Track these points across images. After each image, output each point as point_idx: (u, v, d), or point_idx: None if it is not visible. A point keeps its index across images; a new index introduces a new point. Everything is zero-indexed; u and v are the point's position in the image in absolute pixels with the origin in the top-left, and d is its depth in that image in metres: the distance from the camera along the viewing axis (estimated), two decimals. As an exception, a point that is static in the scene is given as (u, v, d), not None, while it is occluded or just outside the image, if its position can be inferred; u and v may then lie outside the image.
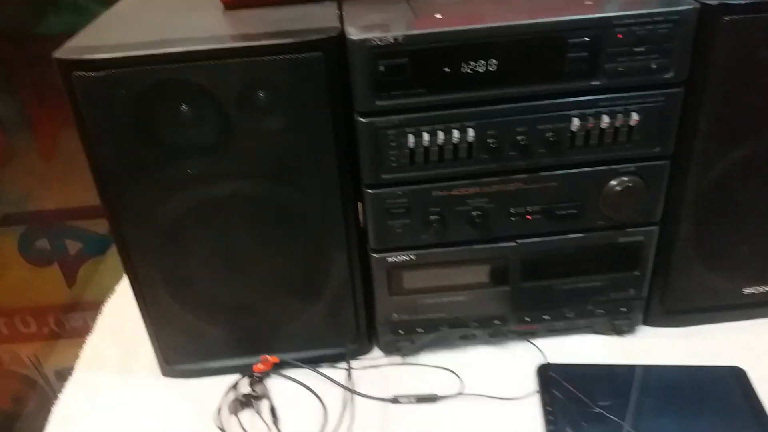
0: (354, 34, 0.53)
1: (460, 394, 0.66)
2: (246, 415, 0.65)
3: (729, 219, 0.67)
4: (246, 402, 0.66)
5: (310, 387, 0.67)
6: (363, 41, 0.53)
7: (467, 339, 0.71)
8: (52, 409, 0.68)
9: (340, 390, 0.66)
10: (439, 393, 0.66)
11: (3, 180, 1.39)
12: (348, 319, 0.70)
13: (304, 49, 0.53)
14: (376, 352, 0.73)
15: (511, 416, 0.63)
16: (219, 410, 0.65)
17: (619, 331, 0.72)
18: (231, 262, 0.65)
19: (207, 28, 0.59)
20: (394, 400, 0.66)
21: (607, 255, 0.67)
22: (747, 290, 0.71)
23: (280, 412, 0.65)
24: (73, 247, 1.47)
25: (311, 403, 0.66)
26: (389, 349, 0.71)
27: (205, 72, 0.53)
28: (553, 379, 0.66)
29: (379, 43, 0.53)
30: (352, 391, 0.66)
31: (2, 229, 1.45)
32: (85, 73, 0.53)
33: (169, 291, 0.66)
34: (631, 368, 0.67)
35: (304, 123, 0.57)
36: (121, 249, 0.63)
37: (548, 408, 0.62)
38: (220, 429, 0.63)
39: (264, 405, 0.66)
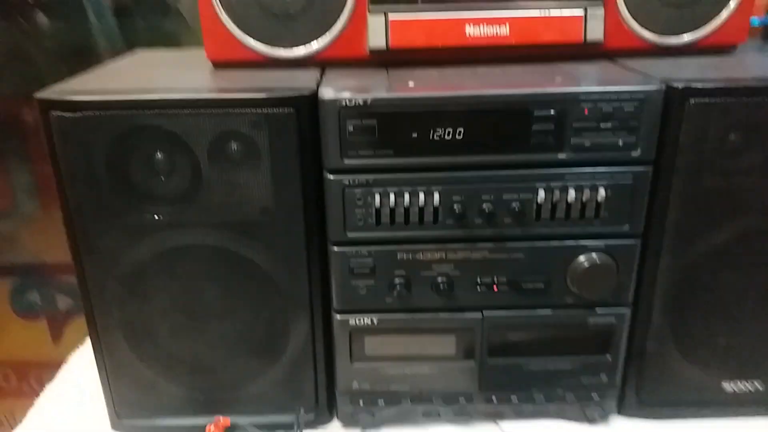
0: (326, 94, 0.55)
1: (416, 473, 0.62)
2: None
3: (705, 308, 0.65)
4: (191, 464, 0.62)
5: (259, 453, 0.64)
6: (333, 101, 0.55)
7: (430, 416, 0.68)
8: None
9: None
10: (393, 470, 0.62)
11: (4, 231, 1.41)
12: (307, 385, 0.67)
13: (278, 105, 0.55)
14: (335, 425, 0.70)
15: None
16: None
17: (590, 420, 0.68)
18: (192, 316, 0.64)
19: (190, 82, 0.62)
20: (346, 474, 0.62)
21: (577, 335, 0.64)
22: (727, 386, 0.68)
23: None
24: (63, 302, 1.46)
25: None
26: (348, 421, 0.68)
27: (179, 120, 0.55)
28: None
29: (348, 104, 0.55)
30: (301, 459, 0.62)
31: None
32: (63, 113, 0.55)
33: (128, 341, 0.65)
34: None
35: (273, 177, 0.58)
36: (83, 294, 0.63)
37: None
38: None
39: (210, 469, 0.62)
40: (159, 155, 0.57)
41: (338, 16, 0.64)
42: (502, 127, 0.56)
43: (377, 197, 0.58)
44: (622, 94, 0.55)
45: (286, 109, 0.55)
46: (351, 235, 0.60)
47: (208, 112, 0.55)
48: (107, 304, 0.63)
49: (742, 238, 0.61)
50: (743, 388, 0.67)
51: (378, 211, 0.59)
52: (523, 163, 0.57)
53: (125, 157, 0.57)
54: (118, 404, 0.68)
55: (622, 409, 0.70)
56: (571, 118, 0.56)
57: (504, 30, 0.65)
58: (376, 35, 0.64)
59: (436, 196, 0.58)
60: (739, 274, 0.63)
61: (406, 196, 0.58)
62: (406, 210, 0.59)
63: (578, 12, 0.64)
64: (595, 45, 0.66)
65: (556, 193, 0.58)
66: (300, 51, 0.66)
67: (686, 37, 0.67)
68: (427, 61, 0.66)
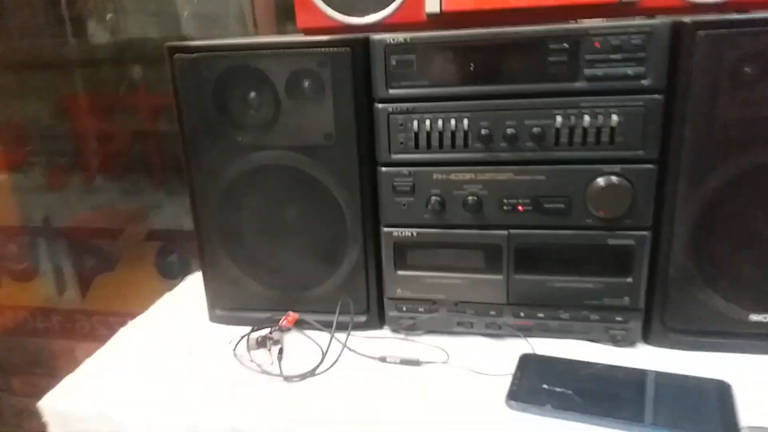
0: (375, 35, 0.69)
1: (443, 363, 0.72)
2: (259, 352, 0.76)
3: (728, 237, 0.68)
4: (262, 342, 0.77)
5: (317, 341, 0.77)
6: (380, 40, 0.68)
7: (465, 326, 0.77)
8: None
9: (343, 350, 0.75)
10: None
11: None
12: (361, 292, 0.79)
13: (337, 45, 0.70)
14: (386, 330, 0.81)
15: (483, 387, 0.67)
16: (237, 344, 0.77)
17: (615, 341, 0.73)
18: (272, 224, 0.79)
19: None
20: (382, 359, 0.73)
21: (598, 256, 0.71)
22: (755, 317, 0.70)
23: (286, 355, 0.75)
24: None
25: (314, 354, 0.75)
26: (394, 325, 0.79)
27: (264, 60, 0.71)
28: (531, 364, 0.69)
29: (392, 41, 0.68)
30: (345, 346, 0.74)
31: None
32: (181, 55, 0.73)
33: (223, 244, 0.81)
34: (609, 367, 0.68)
35: (335, 107, 0.72)
36: (192, 205, 0.81)
37: (515, 382, 0.66)
38: (234, 353, 0.74)
39: (276, 347, 0.77)
40: (250, 89, 0.73)
41: (401, -13, 0.77)
42: (522, 59, 0.66)
43: (416, 123, 0.70)
44: (629, 28, 0.62)
45: (343, 49, 0.69)
46: (395, 156, 0.72)
47: (285, 52, 0.71)
48: (209, 212, 0.80)
49: (758, 169, 0.65)
50: (772, 320, 0.69)
51: (416, 135, 0.70)
52: (543, 92, 0.66)
53: (226, 90, 0.74)
54: (214, 298, 0.85)
55: (648, 338, 0.74)
56: (584, 51, 0.64)
57: (546, -7, 0.74)
58: (432, 2, 0.76)
59: (466, 122, 0.69)
60: (760, 205, 0.66)
61: (440, 122, 0.69)
62: (440, 134, 0.70)
63: (614, -28, 0.72)
64: (631, 4, 0.72)
65: (572, 119, 0.66)
66: (371, 18, 0.79)
67: (720, -2, 0.71)
68: (477, 24, 0.76)
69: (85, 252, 1.72)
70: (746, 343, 0.71)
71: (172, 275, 1.67)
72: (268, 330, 0.78)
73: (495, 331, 0.77)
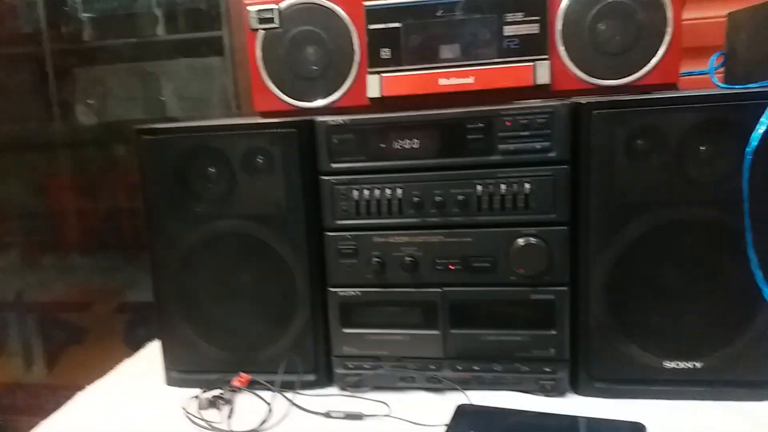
0: (318, 119, 0.78)
1: (385, 416, 0.76)
2: (210, 411, 0.80)
3: (639, 290, 0.76)
4: (213, 403, 0.81)
5: (269, 401, 0.81)
6: (323, 122, 0.78)
7: (407, 381, 0.82)
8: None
9: (291, 407, 0.79)
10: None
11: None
12: (309, 351, 0.85)
13: (286, 127, 0.79)
14: (334, 389, 0.86)
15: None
16: (188, 404, 0.80)
17: (545, 391, 0.79)
18: (226, 289, 0.85)
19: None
20: (327, 414, 0.77)
21: (523, 311, 0.78)
22: (667, 364, 0.76)
23: (237, 414, 0.79)
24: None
25: (265, 413, 0.79)
26: (341, 383, 0.84)
27: (221, 140, 0.80)
28: (465, 414, 0.74)
29: (332, 123, 0.77)
30: (293, 403, 0.79)
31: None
32: (148, 137, 0.82)
33: (179, 308, 0.87)
34: (538, 414, 0.73)
35: (284, 180, 0.80)
36: (153, 270, 0.87)
37: (450, 430, 0.70)
38: (184, 409, 0.78)
39: (227, 407, 0.81)
40: (209, 165, 0.81)
41: (346, 77, 0.88)
42: (445, 137, 0.75)
43: (356, 192, 0.78)
44: (534, 109, 0.73)
45: (291, 130, 0.79)
46: (339, 222, 0.80)
47: (240, 134, 0.80)
48: (168, 278, 0.86)
49: (658, 229, 0.73)
50: (683, 366, 0.75)
51: (357, 203, 0.79)
52: (464, 165, 0.76)
53: (187, 167, 0.82)
54: (170, 361, 0.89)
55: (576, 387, 0.80)
56: (497, 129, 0.74)
57: (470, 80, 0.85)
58: (373, 89, 0.86)
59: (399, 191, 0.77)
60: (665, 262, 0.74)
61: (377, 192, 0.78)
62: (378, 202, 0.78)
63: (528, 63, 0.83)
64: (544, 88, 0.83)
65: (491, 188, 0.75)
66: (320, 102, 0.89)
67: (623, 80, 0.82)
68: (413, 107, 0.86)
69: (55, 326, 1.74)
70: (663, 390, 0.76)
71: (140, 347, 1.69)
72: (219, 391, 0.82)
73: (435, 385, 0.82)
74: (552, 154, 0.73)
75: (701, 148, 0.71)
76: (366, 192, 0.78)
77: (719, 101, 0.70)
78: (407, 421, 0.75)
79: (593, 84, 0.82)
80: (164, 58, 1.71)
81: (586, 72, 0.82)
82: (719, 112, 0.70)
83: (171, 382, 0.90)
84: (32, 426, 0.80)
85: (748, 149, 0.67)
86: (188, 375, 0.89)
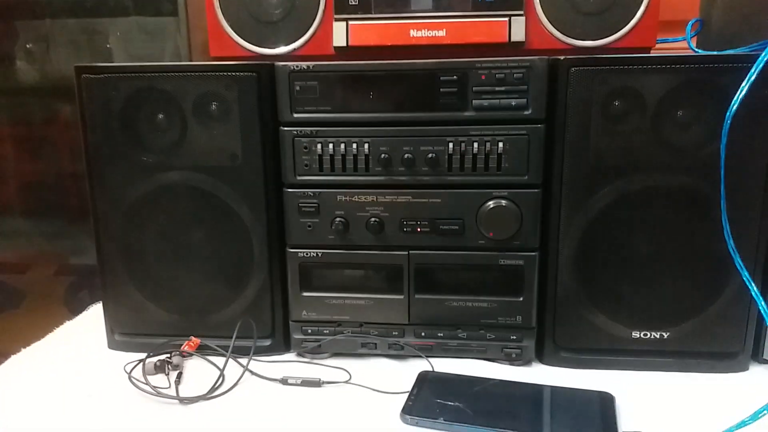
0: (280, 62, 0.72)
1: (344, 383, 0.72)
2: (157, 377, 0.74)
3: (609, 258, 0.73)
4: (161, 367, 0.75)
5: (218, 364, 0.76)
6: (285, 66, 0.71)
7: (368, 347, 0.78)
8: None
9: (245, 374, 0.74)
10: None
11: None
12: (265, 315, 0.80)
13: (245, 70, 0.72)
14: (292, 355, 0.81)
15: (382, 404, 0.68)
16: (132, 369, 0.75)
17: (511, 360, 0.76)
18: (176, 246, 0.79)
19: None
20: (284, 380, 0.73)
21: (491, 276, 0.75)
22: (635, 334, 0.75)
23: (187, 381, 0.74)
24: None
25: (214, 377, 0.74)
26: (299, 348, 0.80)
27: (171, 82, 0.73)
28: (428, 381, 0.71)
29: (296, 68, 0.71)
30: (246, 369, 0.74)
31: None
32: (89, 75, 0.74)
33: (125, 265, 0.80)
34: (502, 382, 0.71)
35: (241, 130, 0.74)
36: (95, 225, 0.80)
37: (411, 397, 0.67)
38: (127, 373, 0.72)
39: (175, 372, 0.75)
40: (158, 111, 0.74)
41: (311, 23, 0.81)
42: (417, 90, 0.70)
43: (319, 146, 0.73)
44: (511, 62, 0.68)
45: (250, 73, 0.72)
46: (300, 178, 0.74)
47: (192, 75, 0.73)
48: (111, 235, 0.79)
49: (632, 195, 0.71)
50: (651, 337, 0.74)
51: (321, 158, 0.73)
52: (436, 120, 0.71)
53: (132, 112, 0.75)
54: (113, 324, 0.83)
55: (542, 357, 0.77)
56: (471, 83, 0.69)
57: (442, 32, 0.80)
58: (339, 37, 0.80)
59: (366, 146, 0.72)
60: (636, 230, 0.72)
61: (342, 146, 0.72)
62: (343, 157, 0.73)
63: (503, 18, 0.79)
64: (518, 45, 0.79)
65: (463, 146, 0.71)
66: (282, 50, 0.83)
67: (600, 41, 0.79)
68: (380, 59, 0.81)
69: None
70: (630, 360, 0.75)
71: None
72: (167, 355, 0.77)
73: (398, 352, 0.78)
74: (527, 112, 0.70)
75: (679, 112, 0.69)
76: (330, 146, 0.73)
77: (700, 63, 0.67)
78: (368, 388, 0.71)
79: (569, 44, 0.79)
80: (115, 16, 1.59)
81: (562, 31, 0.79)
82: (699, 75, 0.67)
83: (114, 345, 0.84)
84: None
85: (728, 114, 0.65)
86: (133, 338, 0.83)
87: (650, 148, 0.70)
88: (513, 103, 0.69)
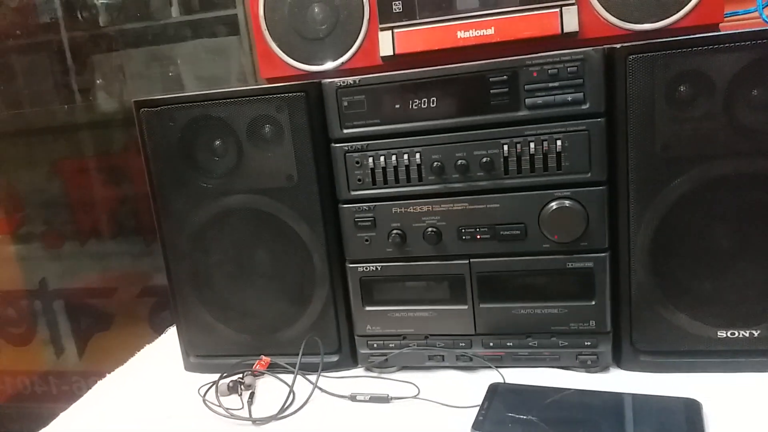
0: (326, 80, 0.72)
1: (413, 398, 0.71)
2: (231, 398, 0.76)
3: (686, 252, 0.68)
4: (234, 388, 0.77)
5: (287, 382, 0.77)
6: (332, 83, 0.71)
7: (436, 360, 0.77)
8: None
9: (315, 390, 0.74)
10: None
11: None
12: (331, 331, 0.80)
13: (293, 91, 0.73)
14: (360, 369, 0.81)
15: (452, 419, 0.66)
16: (207, 391, 0.77)
17: (587, 367, 0.73)
18: (240, 268, 0.81)
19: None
20: (352, 397, 0.73)
21: (559, 281, 0.71)
22: (721, 334, 0.69)
23: (259, 399, 0.75)
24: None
25: (285, 396, 0.75)
26: (366, 363, 0.79)
27: (224, 109, 0.75)
28: (499, 393, 0.68)
29: (342, 84, 0.71)
30: (316, 386, 0.74)
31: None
32: (147, 109, 0.76)
33: (193, 289, 0.83)
34: (577, 392, 0.67)
35: (294, 149, 0.74)
36: (163, 251, 0.83)
37: (482, 411, 0.65)
38: (203, 401, 0.74)
39: (247, 392, 0.77)
40: (214, 137, 0.76)
41: (356, 36, 0.81)
42: (465, 93, 0.68)
43: (371, 160, 0.72)
44: (564, 56, 0.65)
45: (298, 94, 0.73)
46: (354, 193, 0.74)
47: (243, 101, 0.74)
48: (179, 259, 0.82)
49: (706, 185, 0.66)
50: (740, 335, 0.68)
51: (373, 172, 0.73)
52: (488, 123, 0.69)
53: (191, 140, 0.77)
54: (187, 346, 0.85)
55: (620, 362, 0.73)
56: (523, 81, 0.67)
57: (490, 31, 0.77)
58: (386, 46, 0.79)
59: (418, 156, 0.71)
60: (715, 221, 0.67)
61: (393, 158, 0.71)
62: (395, 169, 0.72)
63: (553, 9, 0.75)
64: (572, 36, 0.75)
65: (519, 147, 0.68)
66: (329, 65, 0.83)
67: (661, 23, 0.74)
68: (429, 64, 0.79)
69: (82, 313, 1.73)
70: (716, 362, 0.70)
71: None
72: (239, 375, 0.78)
73: (466, 363, 0.76)
74: (585, 107, 0.66)
75: (753, 92, 0.63)
76: (381, 158, 0.72)
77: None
78: (437, 402, 0.69)
79: (627, 29, 0.74)
80: (180, 41, 1.67)
81: (617, 16, 0.74)
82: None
83: (189, 367, 0.86)
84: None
85: (812, 88, 0.59)
86: (207, 360, 0.85)
87: (723, 134, 0.64)
88: (569, 99, 0.66)
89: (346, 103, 0.71)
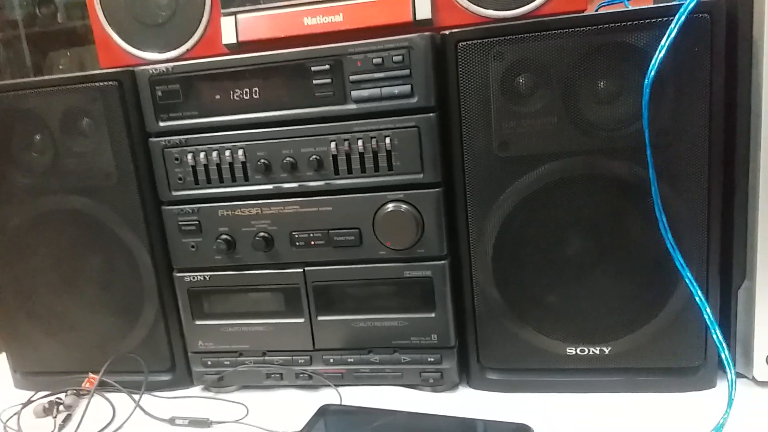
0: (139, 68, 0.64)
1: (237, 422, 0.64)
2: (46, 420, 0.68)
3: (530, 262, 0.62)
4: (49, 409, 0.69)
5: (113, 403, 0.69)
6: (144, 71, 0.64)
7: (274, 378, 0.70)
8: None
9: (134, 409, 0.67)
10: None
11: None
12: (164, 346, 0.72)
13: (105, 79, 0.65)
14: (198, 389, 0.74)
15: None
16: (20, 411, 0.69)
17: (431, 385, 0.66)
18: (62, 276, 0.73)
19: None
20: (171, 420, 0.65)
21: (398, 291, 0.65)
22: (570, 350, 0.63)
23: (79, 421, 0.67)
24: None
25: (107, 417, 0.67)
26: (200, 382, 0.72)
27: (32, 100, 0.67)
28: (327, 416, 0.62)
29: (154, 72, 0.63)
30: (138, 405, 0.67)
31: None
32: (-50, 98, 0.68)
33: (16, 299, 0.74)
34: (410, 414, 0.61)
35: (111, 145, 0.66)
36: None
37: (298, 438, 0.58)
38: (4, 426, 0.66)
39: (62, 414, 0.69)
40: (32, 131, 0.68)
41: (199, 22, 0.73)
42: (288, 84, 0.61)
43: (190, 156, 0.65)
44: (388, 44, 0.58)
45: (111, 83, 0.65)
46: (176, 193, 0.66)
47: (54, 90, 0.66)
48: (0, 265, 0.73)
49: (552, 187, 0.59)
50: (590, 353, 0.63)
51: (194, 169, 0.65)
52: (314, 117, 0.62)
53: (3, 134, 0.68)
54: (15, 362, 0.77)
55: (470, 380, 0.67)
56: (347, 71, 0.60)
57: (338, 17, 0.70)
58: (228, 33, 0.72)
59: (241, 152, 0.64)
60: (561, 228, 0.61)
61: (215, 154, 0.64)
62: (218, 167, 0.65)
63: (404, -6, 0.68)
64: (426, 24, 0.69)
65: (347, 144, 0.61)
66: (172, 53, 0.75)
67: (522, 9, 0.67)
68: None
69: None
70: (566, 381, 0.64)
71: None
72: (59, 395, 0.70)
73: (306, 382, 0.69)
74: (414, 100, 0.59)
75: (600, 84, 0.57)
76: (202, 155, 0.65)
77: (606, 23, 0.55)
78: (259, 427, 0.62)
79: (484, 17, 0.68)
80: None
81: (474, 2, 0.68)
82: (609, 38, 0.55)
83: (18, 384, 0.78)
84: None
85: (646, 81, 0.53)
86: (35, 377, 0.77)
87: (566, 130, 0.58)
88: (396, 92, 0.59)
89: (160, 93, 0.64)
